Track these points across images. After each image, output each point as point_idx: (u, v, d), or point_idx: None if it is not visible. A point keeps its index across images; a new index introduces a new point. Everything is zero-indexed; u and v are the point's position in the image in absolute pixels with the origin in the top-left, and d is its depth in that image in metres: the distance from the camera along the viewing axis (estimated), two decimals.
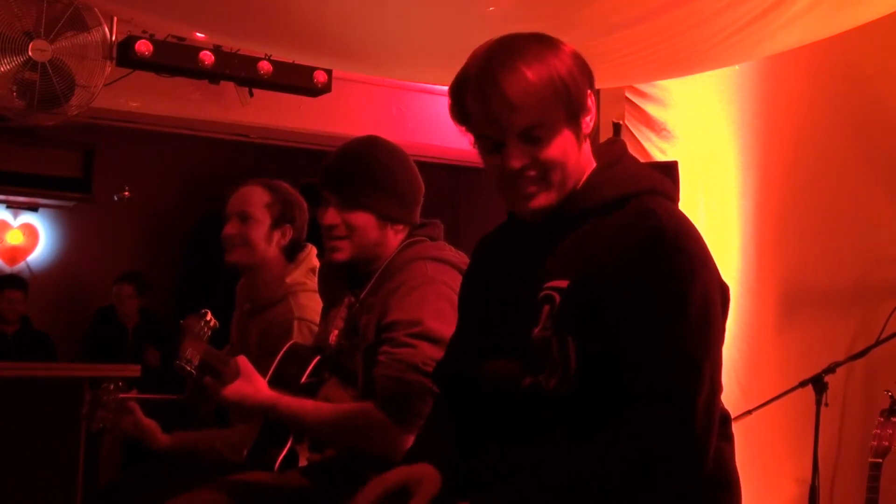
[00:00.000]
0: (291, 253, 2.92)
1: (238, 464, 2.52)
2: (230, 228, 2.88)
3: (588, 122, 1.65)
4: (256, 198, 2.89)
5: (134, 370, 3.98)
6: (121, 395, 2.78)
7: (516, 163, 1.61)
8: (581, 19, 3.26)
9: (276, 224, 2.88)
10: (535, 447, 1.60)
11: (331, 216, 2.30)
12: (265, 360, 2.48)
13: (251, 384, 2.17)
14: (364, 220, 2.28)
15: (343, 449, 2.25)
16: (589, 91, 1.64)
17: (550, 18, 3.14)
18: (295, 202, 2.91)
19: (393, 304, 2.19)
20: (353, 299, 2.35)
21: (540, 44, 1.62)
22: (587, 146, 1.69)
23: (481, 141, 1.66)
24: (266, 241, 2.87)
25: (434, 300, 2.17)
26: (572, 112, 1.61)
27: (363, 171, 2.30)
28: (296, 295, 2.83)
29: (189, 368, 2.12)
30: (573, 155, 1.64)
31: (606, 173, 1.69)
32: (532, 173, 1.62)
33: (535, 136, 1.60)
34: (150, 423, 2.77)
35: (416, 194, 2.36)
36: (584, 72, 1.63)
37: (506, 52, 1.60)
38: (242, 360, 2.19)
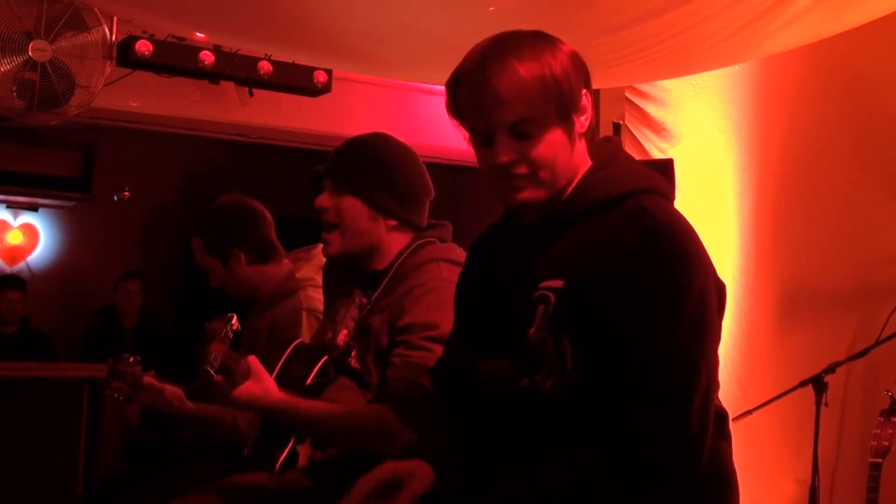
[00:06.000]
0: (264, 255, 2.96)
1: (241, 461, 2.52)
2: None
3: (583, 121, 1.65)
4: (197, 250, 2.99)
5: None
6: (138, 371, 2.78)
7: (504, 157, 1.61)
8: (581, 19, 3.26)
9: (225, 259, 2.94)
10: (530, 447, 1.60)
11: (322, 199, 2.32)
12: (274, 353, 2.49)
13: (261, 385, 2.15)
14: (352, 204, 2.29)
15: (354, 452, 2.22)
16: (585, 91, 1.64)
17: (550, 18, 3.14)
18: (231, 225, 2.96)
19: (407, 307, 2.17)
20: (364, 300, 2.34)
21: (537, 41, 1.62)
22: (582, 145, 1.68)
23: (473, 133, 1.66)
24: (229, 274, 2.95)
25: (450, 303, 2.15)
26: (564, 110, 1.61)
27: (358, 158, 2.32)
28: (305, 289, 2.88)
29: (212, 371, 2.13)
30: (563, 153, 1.63)
31: (601, 173, 1.68)
32: (520, 171, 1.62)
33: (524, 132, 1.60)
34: (176, 389, 2.79)
35: (418, 194, 2.34)
36: (579, 71, 1.63)
37: (501, 47, 1.60)
38: (253, 360, 2.17)
